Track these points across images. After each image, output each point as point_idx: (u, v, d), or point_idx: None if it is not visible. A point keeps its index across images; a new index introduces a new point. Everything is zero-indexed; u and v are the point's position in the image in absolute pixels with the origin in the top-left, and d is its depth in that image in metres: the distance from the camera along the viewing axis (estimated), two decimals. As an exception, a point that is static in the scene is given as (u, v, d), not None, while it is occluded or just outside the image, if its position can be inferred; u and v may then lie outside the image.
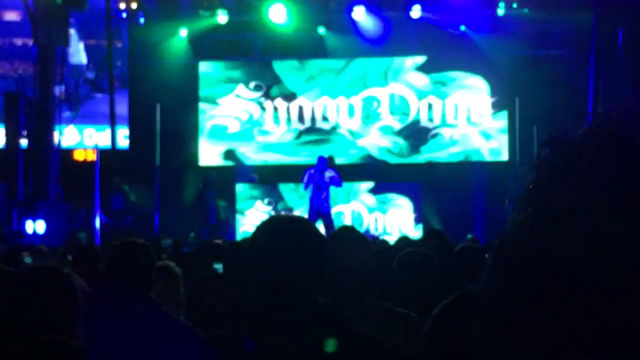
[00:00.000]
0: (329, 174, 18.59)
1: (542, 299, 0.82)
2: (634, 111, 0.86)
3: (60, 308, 3.57)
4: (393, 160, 22.45)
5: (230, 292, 4.88)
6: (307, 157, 21.79)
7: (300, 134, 22.82)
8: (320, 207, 18.53)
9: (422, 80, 22.60)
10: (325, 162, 18.80)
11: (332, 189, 18.81)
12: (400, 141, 22.56)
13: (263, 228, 3.14)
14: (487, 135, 22.24)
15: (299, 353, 2.90)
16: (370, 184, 20.81)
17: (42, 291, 3.58)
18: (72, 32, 22.44)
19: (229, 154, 23.02)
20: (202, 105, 23.02)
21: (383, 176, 21.54)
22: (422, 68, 22.59)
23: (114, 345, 4.14)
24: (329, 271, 4.15)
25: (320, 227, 18.13)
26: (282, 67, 23.01)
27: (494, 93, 22.25)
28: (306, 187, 18.61)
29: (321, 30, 22.52)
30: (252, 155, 22.83)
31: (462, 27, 21.98)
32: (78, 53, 23.07)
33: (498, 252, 0.89)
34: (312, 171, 18.58)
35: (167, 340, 4.34)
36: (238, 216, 21.04)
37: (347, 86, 22.79)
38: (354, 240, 4.27)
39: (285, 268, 2.99)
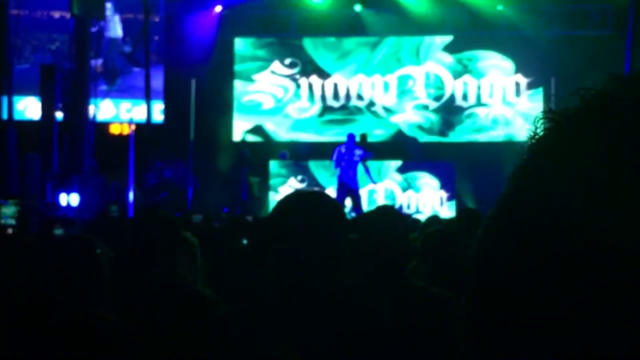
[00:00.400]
0: (358, 152, 18.83)
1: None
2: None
3: (87, 279, 3.67)
4: (426, 138, 22.66)
5: (250, 267, 4.90)
6: (338, 134, 22.06)
7: (333, 110, 23.09)
8: (349, 184, 18.74)
9: (456, 59, 22.87)
10: (354, 140, 19.04)
11: (368, 164, 19.04)
12: (434, 119, 22.81)
13: (283, 203, 3.11)
14: (523, 115, 22.31)
15: (313, 331, 2.87)
16: (399, 163, 20.93)
17: (70, 262, 3.68)
18: (109, 5, 22.70)
19: (260, 130, 23.38)
20: (236, 82, 23.40)
21: (415, 155, 21.76)
22: (454, 47, 22.82)
23: (139, 317, 4.19)
24: (364, 249, 4.18)
25: (349, 203, 18.68)
26: (318, 45, 23.31)
27: (529, 73, 22.37)
28: (336, 165, 18.86)
29: (357, 7, 22.66)
30: (283, 132, 23.14)
31: (499, 7, 21.93)
32: (115, 26, 23.26)
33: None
34: (343, 149, 18.81)
35: (188, 312, 4.35)
36: (271, 193, 21.21)
37: (382, 64, 23.00)
38: (393, 218, 4.29)
39: (303, 244, 2.96)
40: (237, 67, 23.29)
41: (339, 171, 18.89)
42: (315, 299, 2.91)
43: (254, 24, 23.20)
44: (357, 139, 19.92)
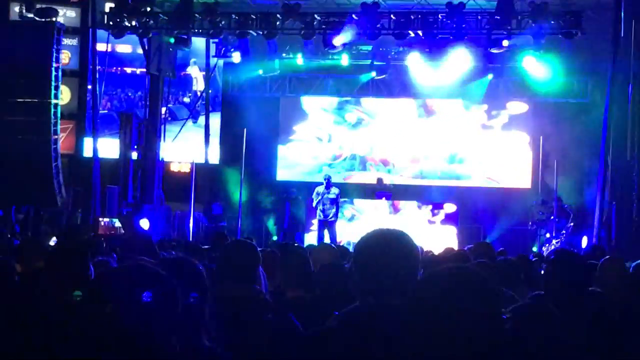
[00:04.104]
0: (335, 190, 21.71)
1: None
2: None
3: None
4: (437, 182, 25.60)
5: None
6: (363, 176, 25.13)
7: (359, 159, 26.28)
8: (326, 218, 21.51)
9: (465, 118, 25.89)
10: (330, 181, 21.92)
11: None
12: (441, 167, 25.86)
13: (365, 240, 3.35)
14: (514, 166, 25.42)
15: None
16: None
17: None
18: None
19: (297, 174, 26.27)
20: (280, 130, 26.50)
21: (427, 196, 24.45)
22: (463, 109, 25.90)
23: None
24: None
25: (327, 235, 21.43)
26: (351, 102, 26.48)
27: (523, 131, 25.44)
28: (316, 204, 21.62)
29: (373, 74, 25.10)
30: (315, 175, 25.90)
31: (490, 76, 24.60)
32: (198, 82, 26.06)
33: None
34: (321, 189, 21.64)
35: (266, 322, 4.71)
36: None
37: (399, 119, 26.16)
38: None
39: (388, 274, 3.19)
40: (281, 119, 26.48)
41: (321, 207, 21.44)
42: (393, 316, 2.94)
43: (296, 84, 26.23)
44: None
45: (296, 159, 26.67)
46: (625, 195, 21.01)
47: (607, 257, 7.37)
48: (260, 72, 25.53)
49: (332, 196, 21.53)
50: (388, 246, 3.24)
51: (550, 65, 22.59)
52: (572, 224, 22.25)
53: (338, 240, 21.12)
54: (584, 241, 21.27)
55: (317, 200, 21.58)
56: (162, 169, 23.65)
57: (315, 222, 22.87)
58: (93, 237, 15.68)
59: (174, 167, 25.89)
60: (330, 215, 21.49)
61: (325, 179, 22.01)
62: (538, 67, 22.55)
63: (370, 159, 26.31)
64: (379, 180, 24.27)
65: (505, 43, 21.50)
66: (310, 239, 22.58)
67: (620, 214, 20.76)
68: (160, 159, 23.35)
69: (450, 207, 23.34)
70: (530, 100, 25.37)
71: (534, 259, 12.11)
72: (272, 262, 7.00)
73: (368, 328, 3.10)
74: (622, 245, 19.20)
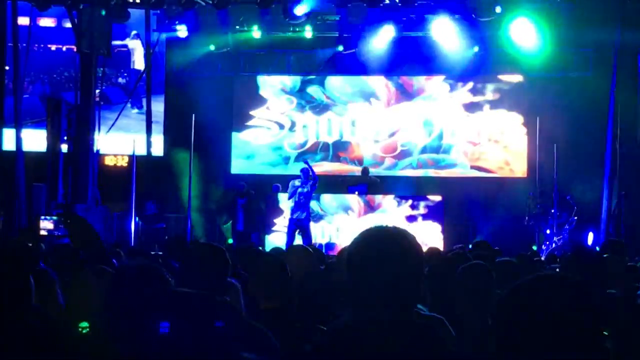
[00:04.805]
0: (309, 184, 19.52)
1: None
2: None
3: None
4: (416, 172, 23.63)
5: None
6: (334, 167, 23.03)
7: (325, 147, 24.00)
8: (299, 217, 19.45)
9: (447, 98, 23.80)
10: (307, 174, 19.64)
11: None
12: (422, 155, 23.79)
13: (362, 237, 3.09)
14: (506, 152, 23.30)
15: None
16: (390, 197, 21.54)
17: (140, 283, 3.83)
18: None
19: (256, 165, 24.25)
20: (234, 116, 24.35)
21: (406, 189, 22.48)
22: (446, 87, 23.82)
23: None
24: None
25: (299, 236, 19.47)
26: (314, 82, 24.35)
27: (516, 112, 23.42)
28: (290, 196, 19.53)
29: (340, 48, 23.46)
30: (278, 167, 24.08)
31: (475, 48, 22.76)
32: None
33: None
34: (297, 183, 19.47)
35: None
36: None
37: (375, 101, 24.00)
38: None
39: (382, 282, 2.94)
40: (235, 103, 24.28)
41: (293, 203, 19.49)
42: (390, 333, 2.88)
43: (251, 62, 24.20)
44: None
45: (254, 149, 24.54)
46: (635, 184, 20.28)
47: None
48: (212, 47, 23.67)
49: (306, 190, 19.48)
50: (385, 248, 2.97)
51: (547, 34, 21.13)
52: (575, 217, 20.63)
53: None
54: (590, 237, 20.27)
55: (291, 193, 19.55)
56: (97, 163, 21.87)
57: (279, 221, 21.11)
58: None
59: (110, 161, 24.40)
60: (303, 214, 19.49)
61: (301, 172, 19.82)
62: (532, 35, 21.01)
63: (340, 146, 24.37)
64: (364, 170, 22.40)
65: (497, 9, 20.14)
66: (275, 240, 20.61)
67: (630, 205, 19.82)
68: (95, 151, 21.56)
69: (433, 200, 21.31)
70: (524, 75, 23.35)
71: (535, 260, 11.35)
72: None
73: (361, 347, 2.87)
74: (632, 241, 17.90)
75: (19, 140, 20.95)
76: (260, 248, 15.99)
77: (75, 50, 21.50)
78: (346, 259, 3.06)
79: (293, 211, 19.48)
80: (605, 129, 20.14)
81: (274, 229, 21.42)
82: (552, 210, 20.75)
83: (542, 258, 14.79)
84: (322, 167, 23.51)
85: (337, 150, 24.20)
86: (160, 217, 21.94)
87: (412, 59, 23.01)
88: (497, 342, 2.60)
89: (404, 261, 2.95)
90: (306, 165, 19.89)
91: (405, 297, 2.94)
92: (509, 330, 2.56)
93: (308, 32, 22.42)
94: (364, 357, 2.87)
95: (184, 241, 10.91)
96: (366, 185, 21.48)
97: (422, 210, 21.20)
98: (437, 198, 21.30)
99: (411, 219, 21.02)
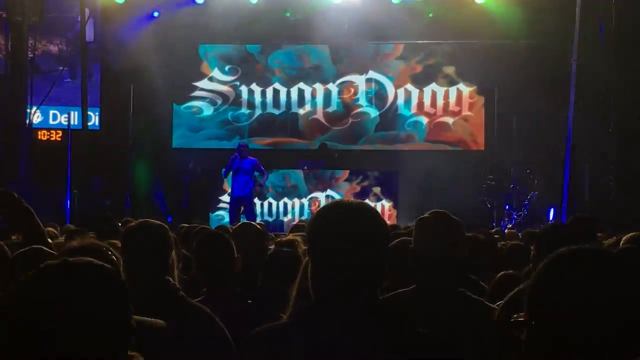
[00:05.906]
0: (250, 160, 18.88)
1: None
2: None
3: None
4: (369, 146, 22.77)
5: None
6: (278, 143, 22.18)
7: (273, 118, 23.10)
8: (240, 193, 18.84)
9: (399, 68, 23.01)
10: (245, 149, 18.97)
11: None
12: (377, 128, 22.92)
13: (324, 211, 2.94)
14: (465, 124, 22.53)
15: (353, 343, 2.72)
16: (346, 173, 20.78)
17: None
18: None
19: (201, 138, 23.41)
20: (176, 88, 23.23)
21: (359, 163, 21.65)
22: (398, 56, 23.02)
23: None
24: (422, 258, 4.20)
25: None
26: (259, 51, 23.47)
27: (472, 81, 22.60)
28: (226, 173, 18.98)
29: (290, 14, 22.67)
30: (226, 139, 23.16)
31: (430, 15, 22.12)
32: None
33: None
34: (235, 157, 18.78)
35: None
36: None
37: (324, 72, 23.11)
38: (449, 225, 4.29)
39: (343, 254, 2.79)
40: (176, 73, 23.12)
41: (231, 179, 18.97)
42: (355, 310, 2.75)
43: (193, 30, 22.89)
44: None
45: (198, 122, 23.58)
46: (599, 158, 19.56)
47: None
48: (156, 14, 22.96)
49: (248, 166, 18.78)
50: (349, 226, 2.80)
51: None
52: (535, 192, 20.18)
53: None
54: (551, 214, 19.54)
55: (228, 171, 18.91)
56: (29, 138, 20.97)
57: (224, 198, 20.58)
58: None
59: (43, 135, 23.38)
60: (246, 191, 18.84)
61: (238, 147, 19.08)
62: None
63: (289, 119, 23.46)
64: (322, 145, 21.87)
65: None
66: (217, 219, 20.24)
67: (595, 180, 19.41)
68: (27, 125, 20.69)
69: (386, 174, 20.91)
70: (480, 42, 22.37)
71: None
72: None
73: (331, 336, 2.71)
74: (598, 216, 16.55)
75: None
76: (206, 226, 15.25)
77: (4, 16, 20.66)
78: (307, 238, 2.98)
79: (235, 188, 18.91)
80: (567, 98, 18.84)
81: (219, 206, 20.99)
82: (511, 185, 20.22)
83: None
84: (266, 142, 23.01)
85: (286, 123, 23.41)
86: (106, 194, 21.40)
87: (363, 26, 22.00)
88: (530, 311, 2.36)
89: (369, 241, 2.83)
90: (243, 143, 19.44)
91: (372, 278, 2.83)
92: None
93: (253, -2, 21.57)
94: (326, 328, 2.75)
95: (109, 220, 9.86)
96: (322, 161, 20.98)
97: (374, 185, 20.69)
98: (392, 172, 20.85)
99: (359, 196, 20.25)
